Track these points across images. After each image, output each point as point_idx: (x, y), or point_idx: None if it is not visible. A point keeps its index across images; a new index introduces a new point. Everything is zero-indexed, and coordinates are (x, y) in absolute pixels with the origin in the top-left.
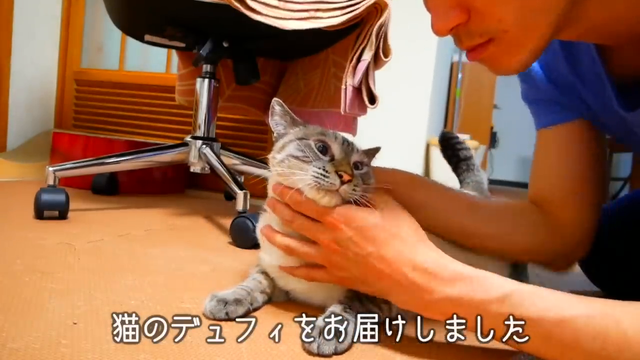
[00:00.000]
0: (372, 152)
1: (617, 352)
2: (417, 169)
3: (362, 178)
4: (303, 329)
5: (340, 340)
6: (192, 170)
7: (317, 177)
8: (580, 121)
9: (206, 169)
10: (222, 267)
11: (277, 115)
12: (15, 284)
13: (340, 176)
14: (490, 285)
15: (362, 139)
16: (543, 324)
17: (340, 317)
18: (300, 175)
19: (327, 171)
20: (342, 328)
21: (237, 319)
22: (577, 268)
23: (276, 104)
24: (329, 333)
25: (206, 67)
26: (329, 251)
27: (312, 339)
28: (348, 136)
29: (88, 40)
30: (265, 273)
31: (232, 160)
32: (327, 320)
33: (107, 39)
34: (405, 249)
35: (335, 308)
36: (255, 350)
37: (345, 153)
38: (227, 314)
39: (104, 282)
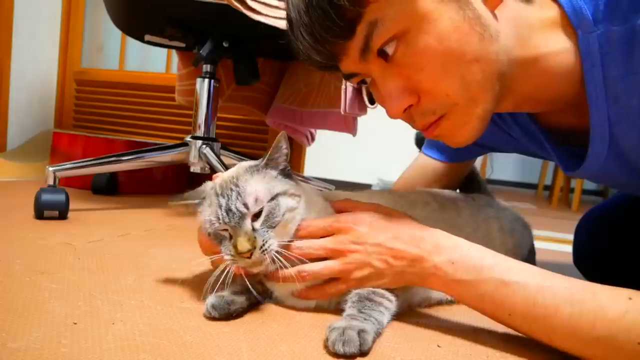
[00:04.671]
0: (275, 152)
1: (593, 319)
2: None
3: (268, 221)
4: (328, 331)
5: (363, 338)
6: (192, 170)
7: (231, 261)
8: (453, 164)
9: (206, 169)
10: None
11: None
12: (15, 284)
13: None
14: (483, 253)
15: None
16: (527, 288)
17: (359, 319)
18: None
19: (232, 255)
20: (363, 327)
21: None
22: (572, 265)
23: (172, 204)
24: (352, 332)
25: (206, 67)
26: (349, 254)
27: (335, 338)
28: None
29: (88, 40)
30: None
31: (232, 160)
32: (348, 322)
33: (107, 39)
34: (412, 229)
35: (352, 310)
36: (255, 350)
37: (235, 223)
38: (228, 304)
39: (104, 282)
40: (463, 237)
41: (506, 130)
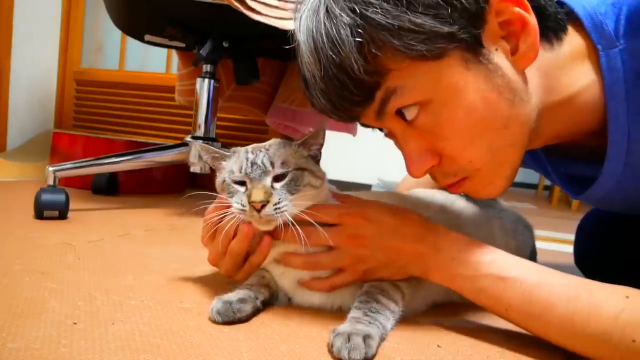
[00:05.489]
0: (312, 138)
1: (587, 317)
2: None
3: (289, 186)
4: (332, 335)
5: (369, 344)
6: (192, 170)
7: (239, 212)
8: None
9: (206, 168)
10: None
11: (206, 157)
12: (15, 284)
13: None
14: (482, 249)
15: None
16: (524, 283)
17: (364, 322)
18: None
19: (243, 205)
20: (369, 332)
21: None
22: (572, 265)
23: (200, 150)
24: (357, 338)
25: (206, 67)
26: (354, 246)
27: (340, 345)
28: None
29: (88, 40)
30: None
31: None
32: (352, 326)
33: (107, 39)
34: (416, 224)
35: (357, 313)
36: (255, 350)
37: (257, 175)
38: (234, 312)
39: (104, 282)
40: None
41: None
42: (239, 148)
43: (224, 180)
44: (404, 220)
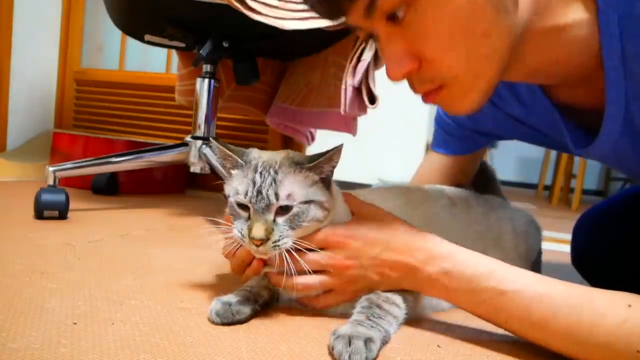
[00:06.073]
0: (325, 163)
1: (590, 327)
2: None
3: (292, 222)
4: (332, 338)
5: (370, 348)
6: (192, 170)
7: (239, 240)
8: (460, 156)
9: (206, 169)
10: (222, 267)
11: (218, 156)
12: (15, 284)
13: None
14: (478, 262)
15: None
16: (523, 297)
17: (366, 325)
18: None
19: (243, 235)
20: (370, 335)
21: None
22: (569, 264)
23: (215, 148)
24: (359, 342)
25: (206, 67)
26: (342, 269)
27: (341, 349)
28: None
29: (88, 40)
30: None
31: None
32: (353, 328)
33: (107, 39)
34: (407, 237)
35: (359, 316)
36: (255, 350)
37: (260, 208)
38: (232, 314)
39: (104, 282)
40: (473, 236)
41: (510, 113)
42: (252, 152)
43: (229, 196)
44: (393, 234)
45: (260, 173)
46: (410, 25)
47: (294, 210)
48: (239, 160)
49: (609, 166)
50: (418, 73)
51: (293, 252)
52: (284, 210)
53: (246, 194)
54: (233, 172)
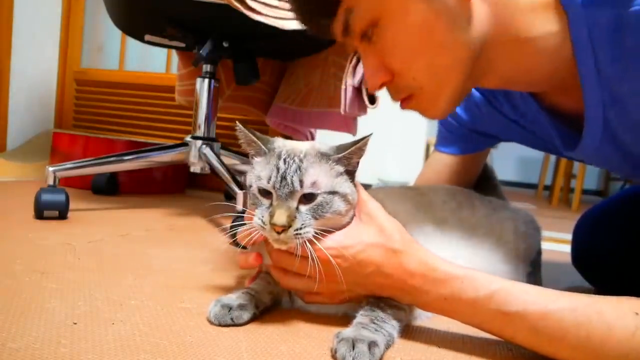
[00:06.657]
0: (354, 153)
1: (602, 341)
2: (417, 168)
3: (315, 211)
4: (335, 340)
5: (373, 353)
6: (192, 170)
7: (259, 228)
8: (464, 157)
9: (206, 169)
10: (222, 267)
11: (241, 141)
12: (15, 284)
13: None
14: (478, 284)
15: None
16: (528, 317)
17: (370, 329)
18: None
19: (264, 222)
20: (374, 339)
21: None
22: (569, 264)
23: (238, 132)
24: (362, 346)
25: (206, 67)
26: (327, 280)
27: (345, 352)
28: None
29: (88, 40)
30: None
31: (232, 160)
32: (357, 331)
33: (107, 39)
34: (401, 259)
35: (363, 318)
36: (255, 350)
37: (284, 194)
38: (232, 319)
39: (104, 282)
40: (477, 239)
41: (505, 113)
42: (277, 141)
43: (250, 185)
44: (386, 255)
45: (285, 160)
46: (378, 42)
47: (319, 199)
48: (263, 147)
49: (599, 167)
50: (392, 84)
51: (315, 241)
52: (307, 199)
53: (269, 180)
54: (256, 159)
